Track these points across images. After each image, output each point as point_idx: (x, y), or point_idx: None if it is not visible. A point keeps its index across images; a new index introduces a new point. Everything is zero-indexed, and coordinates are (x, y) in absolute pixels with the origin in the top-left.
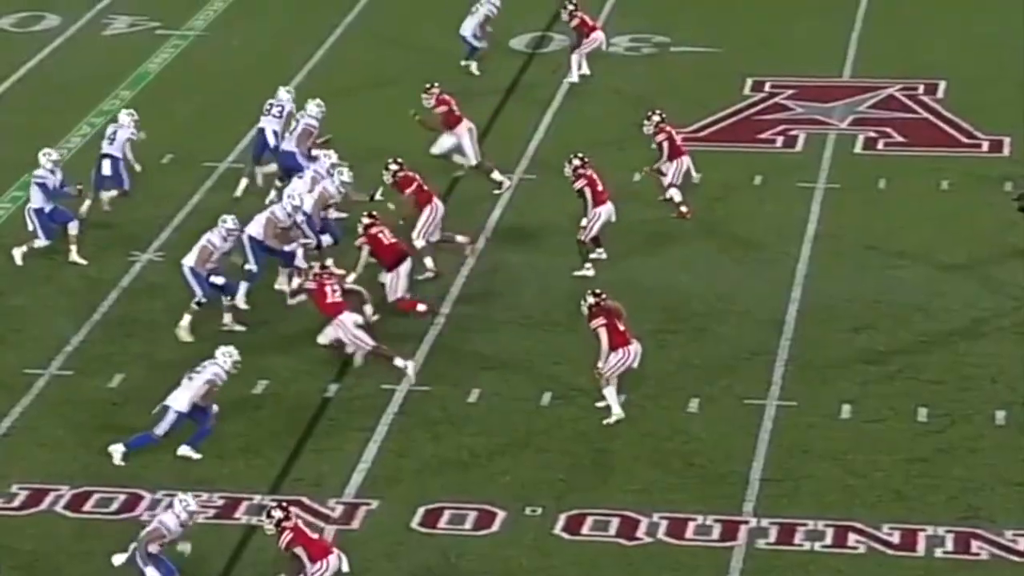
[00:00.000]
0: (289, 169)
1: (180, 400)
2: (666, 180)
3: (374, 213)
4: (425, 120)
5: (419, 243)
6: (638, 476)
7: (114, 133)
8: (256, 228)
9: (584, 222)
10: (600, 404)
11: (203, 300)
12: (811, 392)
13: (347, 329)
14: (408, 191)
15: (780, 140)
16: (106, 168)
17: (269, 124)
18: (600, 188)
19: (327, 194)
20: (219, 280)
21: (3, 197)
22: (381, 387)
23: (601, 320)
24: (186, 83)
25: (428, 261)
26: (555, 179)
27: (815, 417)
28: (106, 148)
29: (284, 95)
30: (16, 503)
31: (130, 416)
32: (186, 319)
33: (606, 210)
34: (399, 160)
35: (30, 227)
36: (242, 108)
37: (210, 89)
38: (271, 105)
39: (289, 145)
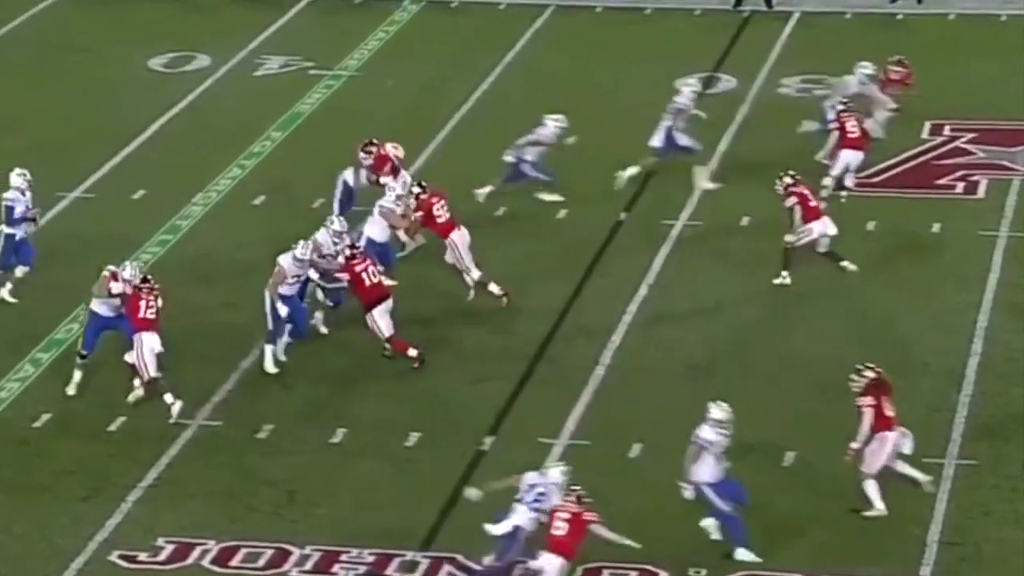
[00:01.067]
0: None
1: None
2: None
3: (357, 245)
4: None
5: (475, 274)
6: (809, 536)
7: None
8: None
9: (790, 237)
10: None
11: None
12: (993, 450)
13: None
14: (419, 214)
15: (960, 186)
16: None
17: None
18: (812, 204)
19: (318, 243)
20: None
21: (151, 240)
22: (539, 440)
23: (870, 400)
24: (339, 125)
25: (493, 287)
26: (717, 229)
27: (997, 477)
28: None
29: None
30: (162, 557)
31: (279, 468)
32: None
33: (819, 225)
34: (423, 183)
35: None
36: (401, 133)
37: (363, 131)
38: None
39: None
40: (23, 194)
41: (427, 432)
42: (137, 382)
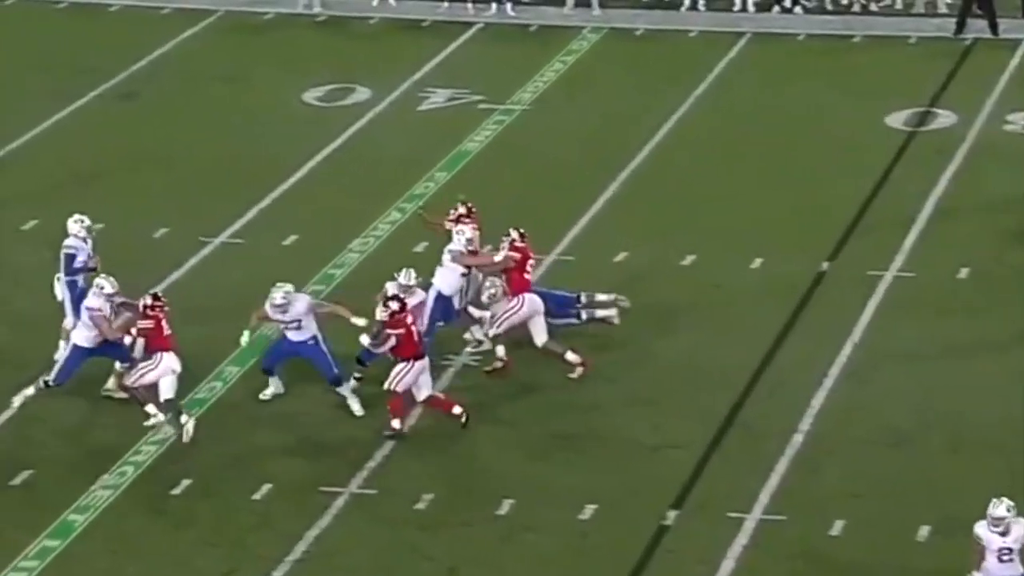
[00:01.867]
0: None
1: None
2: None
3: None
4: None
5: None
6: None
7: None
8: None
9: None
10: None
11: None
12: None
13: None
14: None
15: None
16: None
17: None
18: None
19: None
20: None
21: (305, 287)
22: (727, 515)
23: None
24: (510, 163)
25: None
26: (932, 281)
27: None
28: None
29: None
30: None
31: (439, 542)
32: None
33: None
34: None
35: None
36: (572, 193)
37: (536, 171)
38: None
39: None
40: (85, 242)
41: (603, 504)
42: (152, 408)
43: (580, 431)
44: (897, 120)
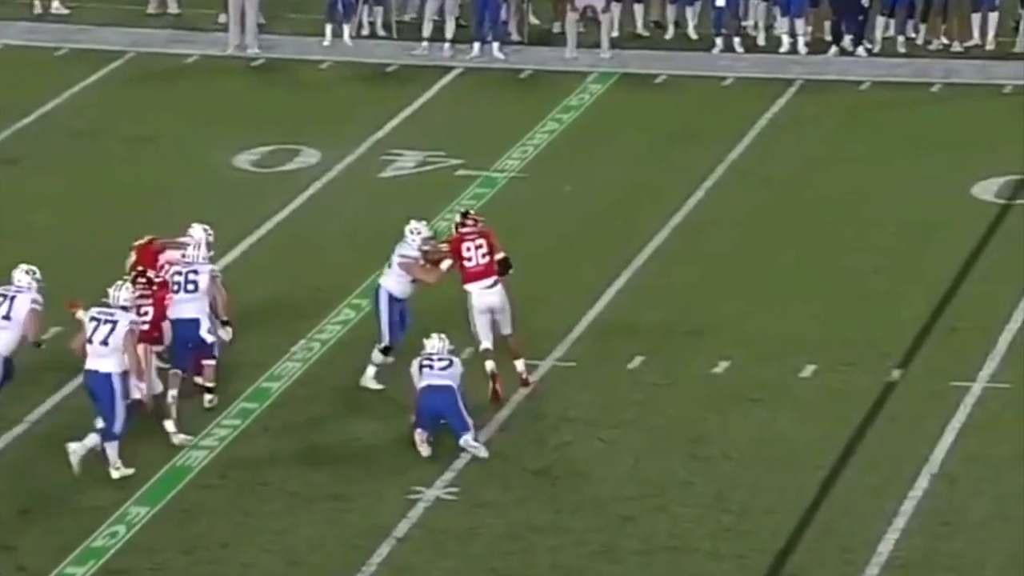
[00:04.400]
0: None
1: None
2: None
3: None
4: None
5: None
6: None
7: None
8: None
9: None
10: None
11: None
12: None
13: None
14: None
15: None
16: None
17: None
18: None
19: None
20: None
21: (233, 405)
22: None
23: None
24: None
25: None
26: None
27: None
28: None
29: None
30: None
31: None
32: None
33: None
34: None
35: None
36: (572, 284)
37: (528, 256)
38: None
39: None
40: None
41: None
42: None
43: None
44: (986, 190)
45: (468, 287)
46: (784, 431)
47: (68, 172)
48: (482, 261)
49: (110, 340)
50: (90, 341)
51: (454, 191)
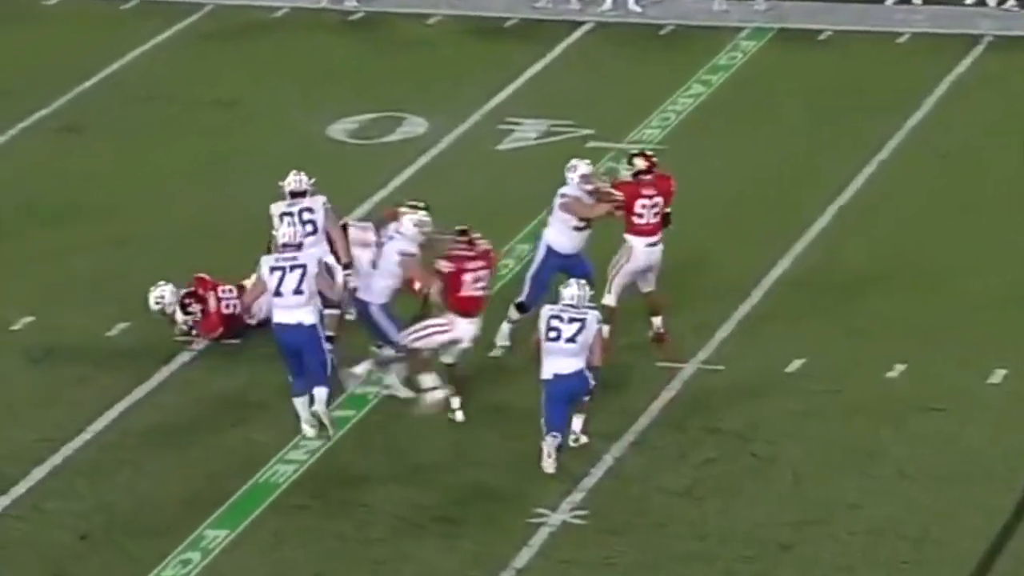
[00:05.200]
0: None
1: None
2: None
3: None
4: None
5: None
6: None
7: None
8: None
9: None
10: None
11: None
12: None
13: None
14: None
15: None
16: None
17: None
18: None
19: None
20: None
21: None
22: None
23: None
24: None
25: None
26: None
27: None
28: None
29: None
30: None
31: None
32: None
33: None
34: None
35: None
36: (727, 275)
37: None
38: None
39: None
40: None
41: None
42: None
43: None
44: None
45: (632, 239)
46: (971, 445)
47: (135, 142)
48: (653, 221)
49: (304, 287)
50: (279, 293)
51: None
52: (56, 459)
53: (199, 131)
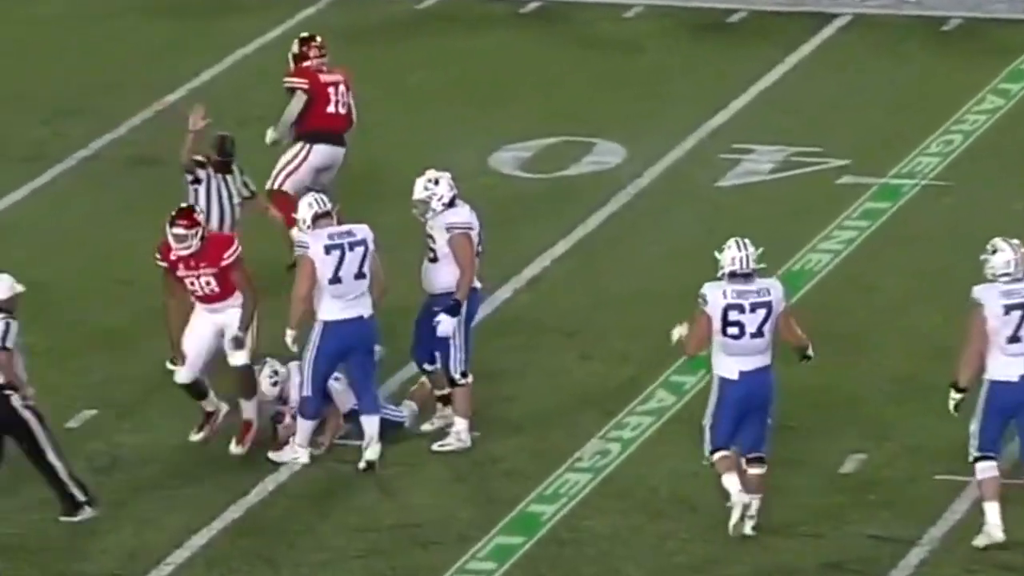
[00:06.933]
0: None
1: None
2: None
3: None
4: None
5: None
6: None
7: None
8: None
9: None
10: None
11: None
12: None
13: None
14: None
15: None
16: None
17: None
18: None
19: None
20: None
21: None
22: None
23: None
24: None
25: None
26: None
27: None
28: None
29: None
30: None
31: None
32: None
33: None
34: None
35: None
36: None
37: (960, 293)
38: None
39: None
40: None
41: None
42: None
43: None
44: None
45: None
46: None
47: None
48: None
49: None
50: (337, 279)
51: (835, 207)
52: None
53: None
